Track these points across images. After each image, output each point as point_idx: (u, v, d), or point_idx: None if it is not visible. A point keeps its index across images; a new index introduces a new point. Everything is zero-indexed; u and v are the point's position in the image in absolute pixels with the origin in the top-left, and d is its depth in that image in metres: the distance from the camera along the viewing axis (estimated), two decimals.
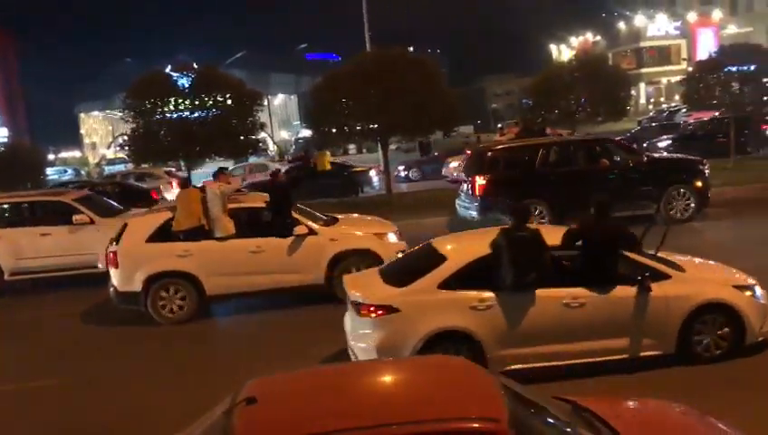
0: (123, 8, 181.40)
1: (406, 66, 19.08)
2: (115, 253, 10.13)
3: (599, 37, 71.84)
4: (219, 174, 10.84)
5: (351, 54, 24.19)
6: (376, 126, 19.97)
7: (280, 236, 10.24)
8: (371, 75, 18.81)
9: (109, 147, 71.15)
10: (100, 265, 12.92)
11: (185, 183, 12.32)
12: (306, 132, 46.07)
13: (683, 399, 4.74)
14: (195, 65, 21.62)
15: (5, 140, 56.78)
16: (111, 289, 10.38)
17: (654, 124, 34.17)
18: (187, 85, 20.74)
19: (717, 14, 57.72)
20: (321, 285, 10.19)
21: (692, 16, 59.02)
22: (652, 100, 66.40)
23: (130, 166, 30.59)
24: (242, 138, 20.80)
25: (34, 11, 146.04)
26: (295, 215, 10.54)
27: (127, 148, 21.90)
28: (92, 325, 10.71)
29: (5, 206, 14.57)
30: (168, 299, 10.07)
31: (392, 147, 24.01)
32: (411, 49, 28.30)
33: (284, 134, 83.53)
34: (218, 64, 27.22)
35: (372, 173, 25.07)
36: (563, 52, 70.34)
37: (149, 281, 9.97)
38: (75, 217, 13.22)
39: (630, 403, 4.76)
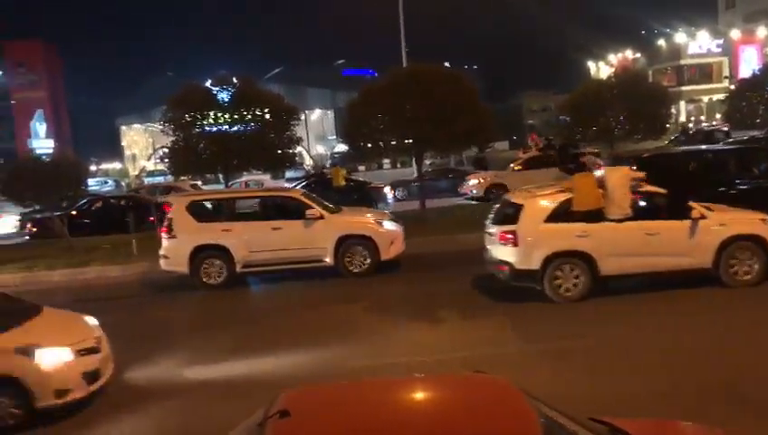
0: (164, 23, 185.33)
1: (439, 81, 19.05)
2: (515, 232, 10.44)
3: (638, 54, 71.02)
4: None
5: (388, 70, 24.32)
6: (410, 141, 19.98)
7: (674, 219, 10.47)
8: (405, 90, 18.83)
9: (149, 159, 72.33)
10: (327, 259, 13.40)
11: (581, 167, 12.17)
12: (342, 147, 46.39)
13: (716, 424, 4.62)
14: (234, 80, 21.84)
15: (51, 150, 57.92)
16: (506, 267, 10.58)
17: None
18: (226, 99, 20.99)
19: (762, 32, 56.53)
20: (708, 269, 10.42)
21: (735, 34, 57.90)
22: (692, 118, 65.27)
23: (170, 178, 31.12)
24: (279, 151, 21.01)
25: (78, 25, 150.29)
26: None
27: (167, 160, 22.25)
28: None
29: (238, 201, 15.13)
30: (563, 278, 10.35)
31: (426, 162, 23.98)
32: (447, 64, 28.32)
33: (320, 148, 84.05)
34: (257, 79, 27.48)
35: (387, 190, 25.80)
36: (602, 68, 69.68)
37: (548, 260, 10.30)
38: (308, 212, 13.51)
39: (668, 427, 4.65)
